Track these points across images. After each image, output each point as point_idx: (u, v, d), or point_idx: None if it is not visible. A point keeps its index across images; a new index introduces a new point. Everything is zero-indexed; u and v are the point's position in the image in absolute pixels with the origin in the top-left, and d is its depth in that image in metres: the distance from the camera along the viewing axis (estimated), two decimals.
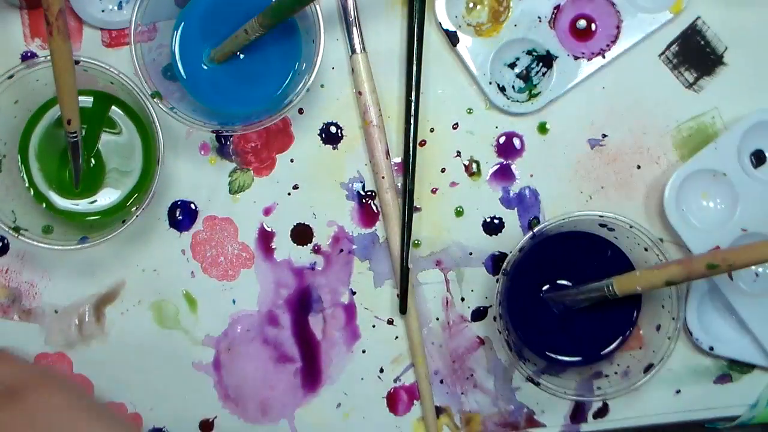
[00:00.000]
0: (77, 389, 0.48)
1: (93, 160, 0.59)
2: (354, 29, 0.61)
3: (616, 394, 0.59)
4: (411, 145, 0.61)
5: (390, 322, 0.63)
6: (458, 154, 0.63)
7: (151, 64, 0.57)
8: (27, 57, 0.61)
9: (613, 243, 0.60)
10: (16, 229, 0.56)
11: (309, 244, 0.62)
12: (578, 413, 0.63)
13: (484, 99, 0.62)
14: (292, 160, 0.62)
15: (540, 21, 0.61)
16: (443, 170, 0.63)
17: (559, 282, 0.60)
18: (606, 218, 0.58)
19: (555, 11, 0.61)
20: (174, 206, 0.62)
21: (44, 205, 0.59)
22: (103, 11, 0.60)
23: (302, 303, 0.62)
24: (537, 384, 0.59)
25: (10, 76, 0.56)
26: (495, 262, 0.63)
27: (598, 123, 0.63)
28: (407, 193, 0.61)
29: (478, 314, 0.63)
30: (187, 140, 0.62)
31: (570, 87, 0.62)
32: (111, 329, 0.62)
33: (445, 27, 0.61)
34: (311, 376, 0.63)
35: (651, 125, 0.63)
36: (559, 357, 0.60)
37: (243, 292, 0.62)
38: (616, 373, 0.60)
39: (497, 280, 0.59)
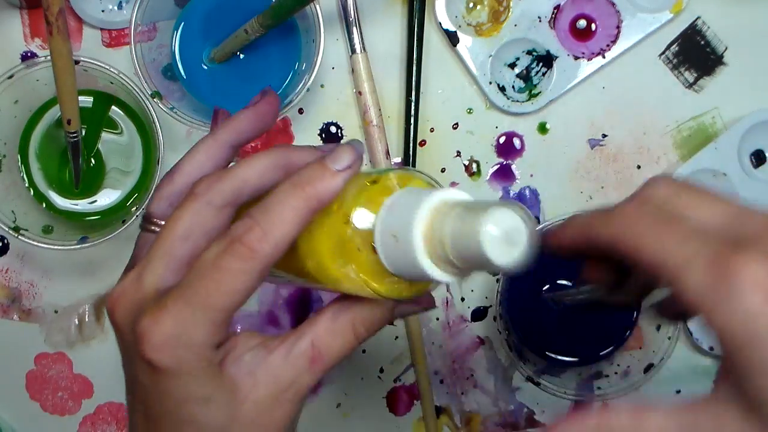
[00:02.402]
0: None
1: (93, 160, 0.59)
2: (354, 29, 0.61)
3: (616, 394, 0.59)
4: (411, 145, 0.61)
5: (390, 322, 0.63)
6: (458, 154, 0.63)
7: (151, 64, 0.57)
8: (27, 57, 0.61)
9: None
10: (16, 229, 0.56)
11: None
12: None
13: (484, 99, 0.62)
14: None
15: (540, 21, 0.61)
16: (443, 170, 0.63)
17: (559, 282, 0.60)
18: None
19: (555, 11, 0.61)
20: None
21: (44, 205, 0.59)
22: (103, 11, 0.60)
23: (302, 303, 0.62)
24: (537, 384, 0.59)
25: (10, 76, 0.56)
26: None
27: (598, 123, 0.63)
28: None
29: (478, 314, 0.63)
30: (187, 140, 0.62)
31: (570, 87, 0.62)
32: (111, 329, 0.62)
33: (445, 27, 0.61)
34: None
35: (651, 125, 0.63)
36: (559, 357, 0.60)
37: None
38: (616, 373, 0.60)
39: (497, 280, 0.59)
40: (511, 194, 0.63)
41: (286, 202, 0.32)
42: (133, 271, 0.34)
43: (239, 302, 0.32)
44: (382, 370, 0.63)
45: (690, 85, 0.63)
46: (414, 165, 0.61)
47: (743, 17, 0.63)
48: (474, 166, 0.63)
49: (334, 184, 0.32)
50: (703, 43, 0.63)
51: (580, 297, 0.59)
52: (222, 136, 0.38)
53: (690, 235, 0.29)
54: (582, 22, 0.62)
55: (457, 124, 0.63)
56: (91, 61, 0.55)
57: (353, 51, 0.61)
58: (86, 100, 0.59)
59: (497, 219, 0.28)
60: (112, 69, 0.55)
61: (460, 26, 0.61)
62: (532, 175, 0.63)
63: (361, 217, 0.31)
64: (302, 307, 0.62)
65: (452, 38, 0.61)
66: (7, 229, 0.56)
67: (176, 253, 0.34)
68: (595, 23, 0.62)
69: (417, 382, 0.63)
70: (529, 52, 0.62)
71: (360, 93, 0.61)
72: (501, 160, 0.63)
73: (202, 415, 0.33)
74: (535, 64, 0.62)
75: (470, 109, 0.63)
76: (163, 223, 0.37)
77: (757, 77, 0.63)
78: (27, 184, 0.59)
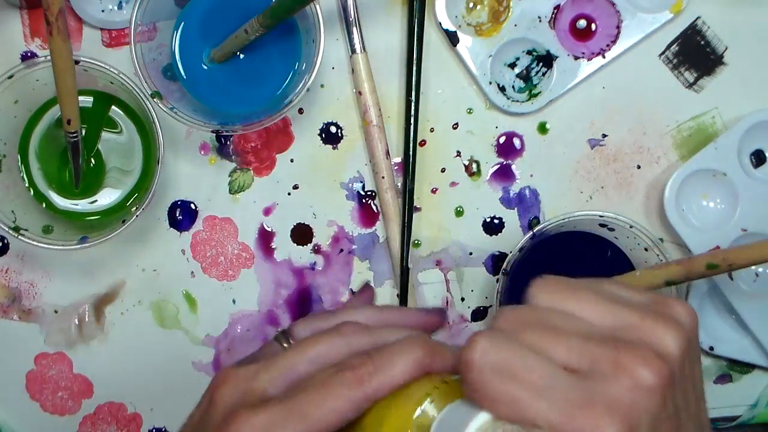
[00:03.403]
0: None
1: (93, 160, 0.59)
2: (354, 29, 0.61)
3: None
4: (411, 145, 0.61)
5: None
6: (458, 154, 0.63)
7: (151, 64, 0.57)
8: (27, 57, 0.61)
9: (613, 243, 0.60)
10: (16, 229, 0.56)
11: (309, 244, 0.62)
12: None
13: (484, 99, 0.62)
14: (292, 160, 0.62)
15: (540, 21, 0.61)
16: (443, 170, 0.63)
17: None
18: (606, 218, 0.58)
19: (555, 11, 0.61)
20: (174, 206, 0.62)
21: (44, 204, 0.59)
22: (103, 11, 0.60)
23: (302, 303, 0.62)
24: None
25: (10, 76, 0.56)
26: (495, 262, 0.63)
27: (598, 123, 0.63)
28: (407, 193, 0.61)
29: (478, 314, 0.63)
30: (187, 140, 0.62)
31: (570, 87, 0.62)
32: (111, 329, 0.62)
33: (445, 27, 0.61)
34: None
35: (651, 125, 0.63)
36: None
37: (243, 292, 0.62)
38: None
39: (497, 280, 0.59)
40: (511, 194, 0.63)
41: (403, 353, 0.35)
42: (253, 366, 0.38)
43: (330, 424, 0.34)
44: None
45: (690, 85, 0.63)
46: (414, 165, 0.61)
47: (743, 17, 0.63)
48: (474, 166, 0.63)
49: (450, 362, 0.36)
50: (703, 43, 0.63)
51: None
52: (388, 316, 0.43)
53: (539, 391, 0.29)
54: (582, 22, 0.62)
55: (457, 124, 0.63)
56: (91, 61, 0.55)
57: (353, 51, 0.61)
58: (86, 100, 0.59)
59: None
60: (112, 69, 0.55)
61: (460, 26, 0.61)
62: (532, 175, 0.63)
63: (428, 410, 0.34)
64: (302, 307, 0.62)
65: (452, 38, 0.61)
66: (7, 229, 0.56)
67: (297, 369, 0.37)
68: (595, 23, 0.62)
69: None
70: (529, 52, 0.62)
71: (360, 93, 0.61)
72: (501, 160, 0.63)
73: None
74: (535, 64, 0.62)
75: (470, 109, 0.63)
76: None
77: (757, 77, 0.63)
78: (27, 184, 0.59)
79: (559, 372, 0.30)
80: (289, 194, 0.62)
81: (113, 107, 0.60)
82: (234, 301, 0.62)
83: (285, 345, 0.42)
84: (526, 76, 0.62)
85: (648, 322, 0.31)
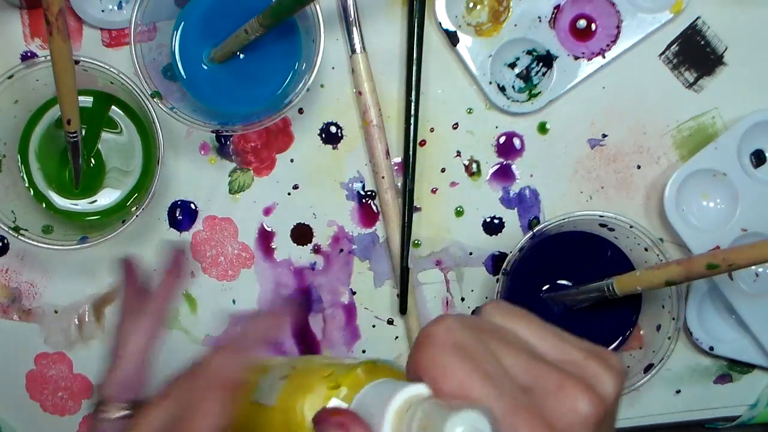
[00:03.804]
0: None
1: (93, 160, 0.59)
2: (354, 29, 0.61)
3: None
4: (411, 145, 0.61)
5: (390, 322, 0.63)
6: (458, 154, 0.63)
7: (151, 64, 0.57)
8: (27, 57, 0.61)
9: (613, 243, 0.60)
10: (16, 229, 0.56)
11: (309, 244, 0.62)
12: None
13: (484, 99, 0.62)
14: (292, 160, 0.62)
15: (540, 21, 0.61)
16: (443, 170, 0.63)
17: (559, 282, 0.60)
18: (606, 218, 0.58)
19: (555, 11, 0.61)
20: (174, 206, 0.62)
21: (44, 204, 0.59)
22: (103, 11, 0.60)
23: (302, 303, 0.62)
24: None
25: (10, 76, 0.56)
26: (495, 262, 0.63)
27: (598, 123, 0.63)
28: (407, 193, 0.61)
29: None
30: (187, 140, 0.62)
31: (570, 87, 0.62)
32: (111, 329, 0.62)
33: (445, 27, 0.61)
34: None
35: (651, 125, 0.63)
36: None
37: (243, 292, 0.62)
38: None
39: (497, 280, 0.59)
40: (511, 194, 0.63)
41: (200, 410, 0.37)
42: None
43: None
44: None
45: (690, 85, 0.63)
46: (414, 165, 0.61)
47: (743, 17, 0.63)
48: (474, 166, 0.63)
49: (237, 374, 0.38)
50: (703, 43, 0.63)
51: (579, 297, 0.59)
52: (153, 313, 0.46)
53: (492, 379, 0.30)
54: (582, 22, 0.62)
55: (457, 124, 0.63)
56: (91, 61, 0.55)
57: (353, 51, 0.61)
58: (86, 100, 0.59)
59: (462, 419, 0.28)
60: (112, 69, 0.55)
61: (460, 26, 0.61)
62: (532, 175, 0.63)
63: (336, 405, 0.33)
64: (302, 308, 0.62)
65: (452, 38, 0.61)
66: (7, 229, 0.56)
67: None
68: (595, 23, 0.62)
69: None
70: (529, 52, 0.62)
71: (360, 93, 0.61)
72: (501, 160, 0.63)
73: None
74: (535, 64, 0.62)
75: (470, 109, 0.63)
76: (119, 404, 0.44)
77: (757, 77, 0.63)
78: (27, 184, 0.59)
79: (510, 376, 0.30)
80: (289, 194, 0.62)
81: (113, 107, 0.60)
82: (234, 301, 0.62)
83: (113, 416, 0.44)
84: (526, 76, 0.62)
85: (591, 362, 0.32)
